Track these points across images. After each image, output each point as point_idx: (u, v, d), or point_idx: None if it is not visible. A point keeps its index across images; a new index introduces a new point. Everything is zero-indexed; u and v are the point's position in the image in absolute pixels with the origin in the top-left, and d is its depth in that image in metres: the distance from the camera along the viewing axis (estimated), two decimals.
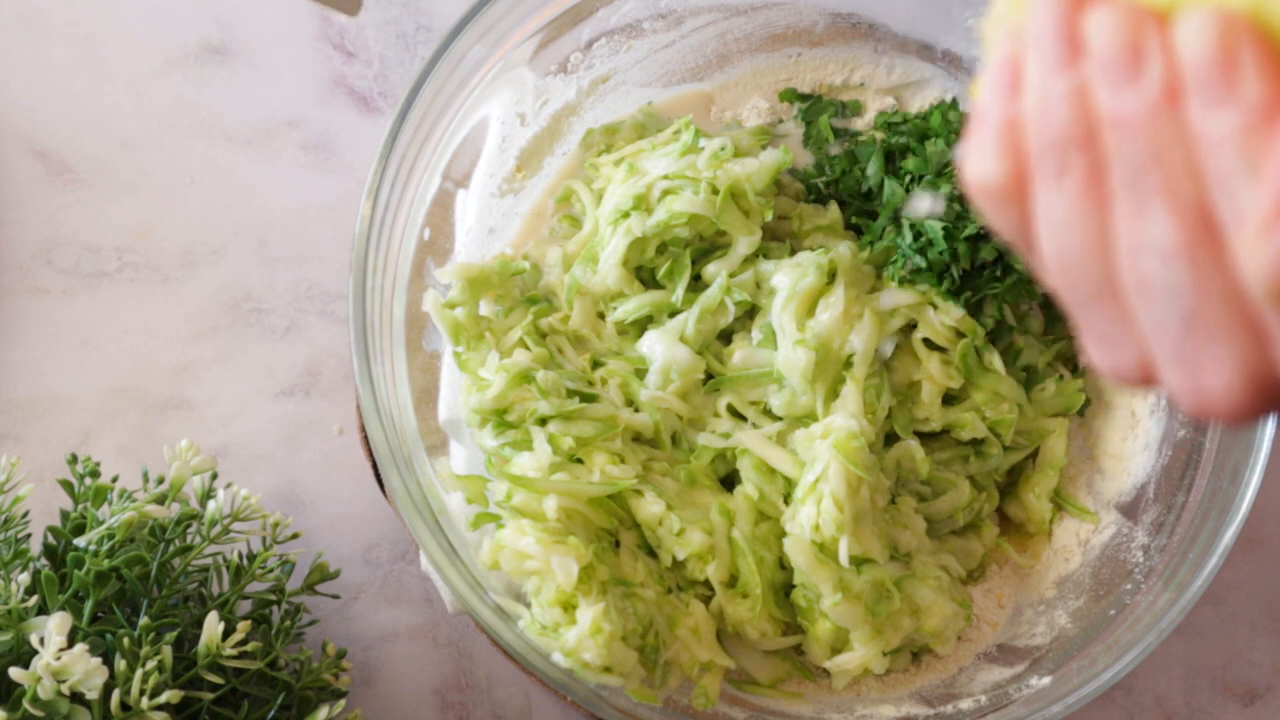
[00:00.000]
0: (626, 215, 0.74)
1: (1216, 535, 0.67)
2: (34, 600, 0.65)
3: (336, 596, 0.78)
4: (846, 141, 0.80)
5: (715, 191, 0.73)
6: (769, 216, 0.74)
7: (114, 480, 0.71)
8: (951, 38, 0.79)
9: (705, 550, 0.70)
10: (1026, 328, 0.77)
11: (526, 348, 0.73)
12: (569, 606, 0.66)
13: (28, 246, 0.83)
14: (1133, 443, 0.76)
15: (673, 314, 0.75)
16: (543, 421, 0.71)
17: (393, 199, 0.69)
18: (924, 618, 0.71)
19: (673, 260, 0.75)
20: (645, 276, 0.76)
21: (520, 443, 0.71)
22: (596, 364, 0.75)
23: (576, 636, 0.65)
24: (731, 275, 0.74)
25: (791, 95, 0.81)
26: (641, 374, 0.74)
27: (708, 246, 0.76)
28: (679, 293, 0.74)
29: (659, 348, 0.73)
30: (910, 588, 0.71)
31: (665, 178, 0.74)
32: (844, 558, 0.68)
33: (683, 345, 0.73)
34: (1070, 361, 0.78)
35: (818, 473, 0.69)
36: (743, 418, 0.74)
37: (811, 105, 0.81)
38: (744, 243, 0.74)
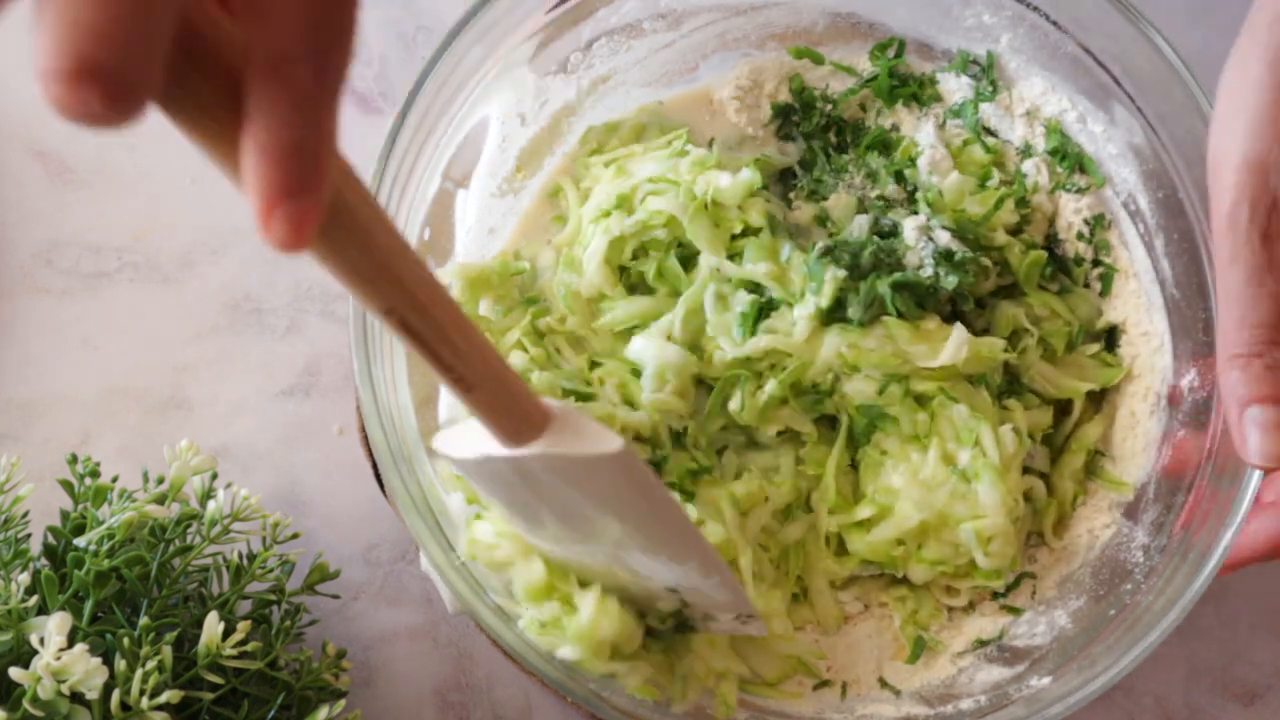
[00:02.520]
0: (607, 214, 0.74)
1: (1217, 535, 0.67)
2: (34, 600, 0.65)
3: (336, 596, 0.78)
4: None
5: (693, 198, 0.73)
6: (736, 230, 0.74)
7: (114, 480, 0.71)
8: (951, 38, 0.79)
9: (722, 544, 0.70)
10: None
11: (524, 349, 0.73)
12: (566, 599, 0.66)
13: (28, 246, 0.83)
14: (1133, 443, 0.76)
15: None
16: None
17: (393, 199, 0.69)
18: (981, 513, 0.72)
19: (658, 263, 0.74)
20: (636, 281, 0.76)
21: None
22: (594, 364, 0.75)
23: (587, 616, 0.64)
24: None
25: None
26: (638, 374, 0.74)
27: (687, 254, 0.75)
28: (689, 288, 0.74)
29: (649, 350, 0.73)
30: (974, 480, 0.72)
31: (650, 180, 0.74)
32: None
33: (672, 345, 0.73)
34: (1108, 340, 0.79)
35: None
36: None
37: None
38: (704, 259, 0.74)
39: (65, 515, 0.70)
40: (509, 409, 0.53)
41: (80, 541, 0.67)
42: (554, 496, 0.59)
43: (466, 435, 0.56)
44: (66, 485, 0.71)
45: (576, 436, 0.55)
